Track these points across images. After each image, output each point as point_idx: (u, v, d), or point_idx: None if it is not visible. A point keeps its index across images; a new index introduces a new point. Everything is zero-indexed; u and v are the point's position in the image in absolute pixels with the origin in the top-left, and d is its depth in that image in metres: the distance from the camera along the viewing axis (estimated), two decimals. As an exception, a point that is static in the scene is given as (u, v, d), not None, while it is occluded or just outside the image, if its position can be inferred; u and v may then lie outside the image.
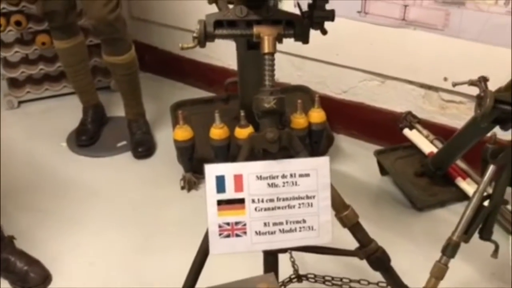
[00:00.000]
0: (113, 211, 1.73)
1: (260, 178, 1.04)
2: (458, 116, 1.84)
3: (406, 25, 1.79)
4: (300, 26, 1.04)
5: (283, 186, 1.04)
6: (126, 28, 1.84)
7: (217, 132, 1.66)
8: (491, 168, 1.17)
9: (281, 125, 1.07)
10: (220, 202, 1.02)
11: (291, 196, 1.05)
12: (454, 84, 1.33)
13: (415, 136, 1.79)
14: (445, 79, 1.80)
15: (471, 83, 1.22)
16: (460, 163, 1.68)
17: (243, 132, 1.64)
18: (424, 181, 1.68)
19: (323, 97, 2.14)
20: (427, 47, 1.79)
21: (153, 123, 2.18)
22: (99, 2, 1.68)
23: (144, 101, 2.08)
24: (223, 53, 2.42)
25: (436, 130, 1.87)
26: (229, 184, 1.03)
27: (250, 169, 1.03)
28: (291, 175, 1.05)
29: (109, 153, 2.02)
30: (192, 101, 2.06)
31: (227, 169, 1.02)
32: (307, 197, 1.06)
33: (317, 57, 2.11)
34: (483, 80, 1.24)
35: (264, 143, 1.00)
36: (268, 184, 1.04)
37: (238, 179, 1.04)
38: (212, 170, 1.02)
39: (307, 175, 1.05)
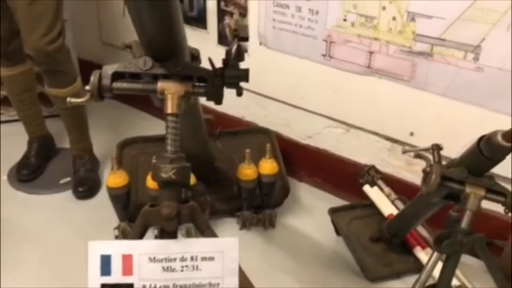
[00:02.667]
0: (44, 258, 1.58)
1: (153, 260, 0.89)
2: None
3: (372, 73, 1.65)
4: (211, 85, 0.90)
5: (182, 270, 0.89)
6: (71, 59, 1.71)
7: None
8: (435, 256, 1.01)
9: (189, 196, 0.92)
10: (104, 287, 0.87)
11: (190, 283, 0.90)
12: (404, 151, 1.18)
13: (375, 194, 1.63)
14: (411, 134, 1.65)
15: (417, 155, 1.06)
16: (421, 230, 1.52)
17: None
18: (380, 248, 1.51)
19: (287, 141, 2.00)
20: (393, 98, 1.64)
21: (105, 158, 2.03)
22: (37, 32, 1.55)
23: (102, 132, 1.94)
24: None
25: (401, 188, 1.72)
26: (116, 265, 0.88)
27: (142, 249, 0.89)
28: (192, 258, 0.90)
29: (50, 190, 1.88)
30: (144, 139, 1.91)
31: (115, 247, 0.88)
32: (210, 285, 0.90)
33: (282, 98, 1.98)
34: (436, 148, 1.09)
35: (159, 219, 0.85)
36: (163, 268, 0.89)
37: (127, 260, 0.89)
38: (96, 248, 0.88)
39: (211, 258, 0.90)
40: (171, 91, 0.89)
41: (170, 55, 0.90)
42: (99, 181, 1.89)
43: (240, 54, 0.88)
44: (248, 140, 1.92)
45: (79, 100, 0.94)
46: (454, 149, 1.55)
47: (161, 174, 0.86)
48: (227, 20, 2.00)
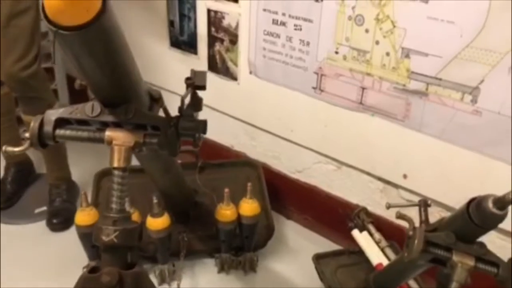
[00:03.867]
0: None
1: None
2: (417, 218, 1.56)
3: (364, 109, 1.55)
4: (164, 135, 0.80)
5: None
6: (47, 86, 1.63)
7: (125, 219, 1.41)
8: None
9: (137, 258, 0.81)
10: None
11: None
12: (388, 206, 1.07)
13: (364, 240, 1.52)
14: (405, 176, 1.54)
15: (399, 216, 0.95)
16: (413, 284, 1.40)
17: (156, 223, 1.40)
18: (366, 301, 1.39)
19: (277, 174, 1.90)
20: (385, 137, 1.53)
21: (87, 186, 1.94)
22: (11, 57, 1.47)
23: (85, 158, 1.84)
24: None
25: (393, 232, 1.60)
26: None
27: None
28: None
29: (25, 220, 1.79)
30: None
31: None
32: None
33: (272, 129, 1.88)
34: (424, 204, 0.98)
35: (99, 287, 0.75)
36: None
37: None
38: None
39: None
40: (119, 142, 0.79)
41: (120, 101, 0.80)
42: (75, 212, 1.79)
43: (196, 104, 0.78)
44: (234, 173, 1.82)
45: (16, 149, 0.85)
46: (449, 196, 1.45)
47: (101, 237, 0.76)
48: (217, 46, 1.92)
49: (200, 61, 1.99)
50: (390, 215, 1.64)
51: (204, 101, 2.06)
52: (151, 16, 2.10)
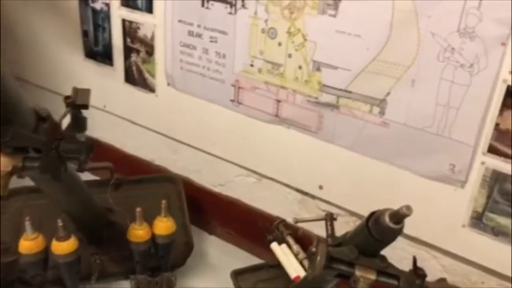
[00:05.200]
0: None
1: None
2: (336, 228, 1.58)
3: (280, 122, 1.54)
4: (45, 159, 0.74)
5: None
6: None
7: (27, 244, 1.31)
8: None
9: None
10: None
11: None
12: (296, 221, 1.06)
13: (283, 253, 1.51)
14: (321, 187, 1.55)
15: (303, 233, 0.94)
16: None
17: (62, 247, 1.31)
18: (284, 315, 1.38)
19: (199, 188, 1.86)
20: (301, 149, 1.54)
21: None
22: None
23: None
24: (99, 124, 2.12)
25: (312, 243, 1.60)
26: None
27: None
28: None
29: None
30: (30, 188, 1.69)
31: None
32: None
33: (192, 143, 1.84)
34: (330, 218, 0.98)
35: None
36: None
37: None
38: None
39: None
40: (-6, 167, 0.72)
41: (-2, 122, 0.74)
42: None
43: (80, 124, 0.73)
44: (153, 190, 1.76)
45: None
46: (362, 206, 1.46)
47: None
48: (133, 57, 1.85)
49: (116, 73, 1.92)
50: (309, 226, 1.65)
51: (122, 114, 2.00)
52: (64, 26, 2.00)
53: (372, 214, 0.87)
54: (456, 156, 1.24)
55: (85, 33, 1.95)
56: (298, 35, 1.40)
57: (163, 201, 1.42)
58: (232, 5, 1.50)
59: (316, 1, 1.33)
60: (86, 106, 0.76)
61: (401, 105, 1.29)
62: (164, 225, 1.42)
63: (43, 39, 2.11)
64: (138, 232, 1.38)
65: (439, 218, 1.33)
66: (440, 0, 1.14)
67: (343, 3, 1.29)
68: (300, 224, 1.66)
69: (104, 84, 2.00)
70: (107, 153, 2.13)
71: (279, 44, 1.44)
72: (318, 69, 1.40)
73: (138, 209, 1.38)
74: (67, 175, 1.13)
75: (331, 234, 1.00)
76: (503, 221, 1.21)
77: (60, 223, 1.30)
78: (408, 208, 0.78)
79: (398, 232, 0.83)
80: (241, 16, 1.49)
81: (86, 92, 0.76)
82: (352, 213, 1.52)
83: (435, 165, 1.28)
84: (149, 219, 1.46)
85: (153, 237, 1.43)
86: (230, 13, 1.51)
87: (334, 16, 1.31)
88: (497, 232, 1.23)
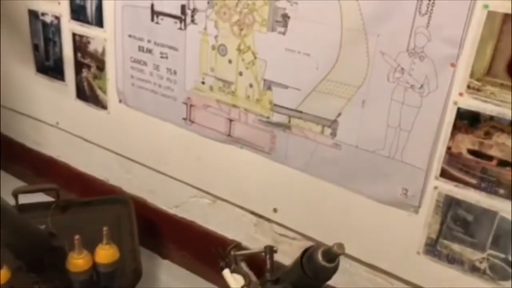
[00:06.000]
0: None
1: None
2: (291, 253, 1.51)
3: (232, 142, 1.48)
4: None
5: None
6: None
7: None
8: None
9: None
10: None
11: None
12: (234, 254, 0.99)
13: (234, 280, 1.42)
14: (275, 210, 1.48)
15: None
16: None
17: (-9, 277, 1.22)
18: None
19: (153, 209, 1.78)
20: (254, 170, 1.47)
21: None
22: None
23: None
24: (53, 141, 2.03)
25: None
26: None
27: None
28: None
29: None
30: None
31: None
32: None
33: (146, 162, 1.76)
34: (269, 251, 0.91)
35: None
36: None
37: None
38: None
39: None
40: None
41: None
42: None
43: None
44: (103, 212, 1.68)
45: None
46: (317, 230, 1.41)
47: None
48: (84, 73, 1.78)
49: (67, 88, 1.85)
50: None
51: (74, 131, 1.92)
52: (15, 39, 1.92)
53: (307, 250, 0.80)
54: (408, 180, 1.19)
55: (35, 47, 1.87)
56: (248, 52, 1.34)
57: (105, 228, 1.34)
58: (181, 20, 1.44)
59: (265, 18, 1.27)
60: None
61: (352, 127, 1.23)
62: (105, 253, 1.33)
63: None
64: (77, 261, 1.30)
65: (394, 244, 1.27)
66: (389, 18, 1.09)
67: (292, 20, 1.23)
68: (255, 247, 1.59)
69: (57, 100, 1.92)
70: (62, 171, 2.05)
71: (230, 61, 1.38)
72: (269, 88, 1.34)
73: (76, 237, 1.29)
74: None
75: (269, 268, 0.93)
76: (457, 248, 1.16)
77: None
78: (340, 246, 0.72)
79: (332, 270, 0.76)
80: (191, 32, 1.43)
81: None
82: (308, 238, 1.45)
83: (387, 189, 1.22)
84: (96, 244, 1.37)
85: (95, 265, 1.34)
86: (180, 28, 1.45)
87: (284, 33, 1.26)
88: (451, 259, 1.18)
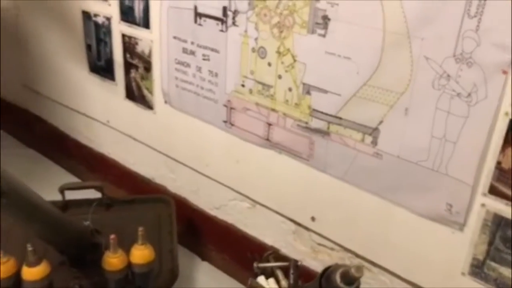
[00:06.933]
0: None
1: None
2: (330, 264, 1.45)
3: (271, 146, 1.45)
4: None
5: None
6: None
7: (-3, 268, 1.27)
8: None
9: None
10: None
11: None
12: (257, 266, 0.96)
13: (268, 288, 1.39)
14: (313, 218, 1.43)
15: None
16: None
17: (31, 273, 1.26)
18: None
19: (196, 210, 1.78)
20: (293, 176, 1.43)
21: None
22: None
23: None
24: (104, 138, 2.10)
25: (305, 277, 1.48)
26: None
27: None
28: None
29: None
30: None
31: None
32: None
33: (189, 163, 1.77)
34: (294, 265, 0.87)
35: None
36: None
37: None
38: None
39: None
40: None
41: None
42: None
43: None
44: (145, 211, 1.70)
45: None
46: (355, 241, 1.35)
47: None
48: (133, 73, 1.81)
49: (117, 88, 1.89)
50: (302, 259, 1.53)
51: (123, 130, 1.96)
52: (70, 40, 1.99)
53: (326, 269, 0.76)
54: (453, 196, 1.10)
55: (88, 47, 1.93)
56: (287, 55, 1.30)
57: (140, 228, 1.35)
58: (223, 22, 1.42)
59: (305, 19, 1.22)
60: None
61: (394, 136, 1.16)
62: (140, 253, 1.34)
63: (51, 52, 2.12)
64: (112, 261, 1.32)
65: (437, 262, 1.19)
66: (434, 21, 1.01)
67: (332, 22, 1.18)
68: (293, 255, 1.55)
69: (107, 99, 1.97)
70: (111, 168, 2.10)
71: (269, 64, 1.35)
72: (308, 92, 1.29)
73: (112, 236, 1.31)
74: (23, 203, 1.08)
75: (293, 284, 0.89)
76: (506, 272, 1.06)
77: (29, 247, 1.25)
78: (359, 269, 0.67)
79: (350, 292, 0.71)
80: (232, 34, 1.41)
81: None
82: (347, 249, 1.39)
83: (430, 203, 1.14)
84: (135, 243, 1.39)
85: (130, 265, 1.35)
86: (222, 30, 1.43)
87: (324, 36, 1.21)
88: (500, 284, 1.08)
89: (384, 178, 1.21)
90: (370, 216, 1.28)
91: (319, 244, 1.47)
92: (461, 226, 1.11)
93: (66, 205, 1.64)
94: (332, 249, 1.44)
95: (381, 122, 1.18)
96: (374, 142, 1.20)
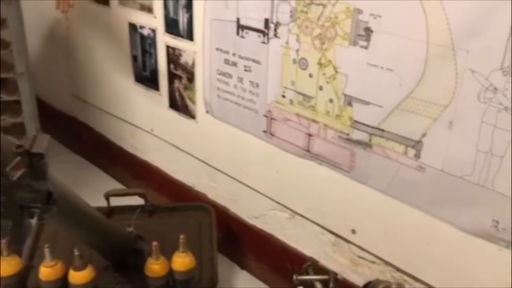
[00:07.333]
0: None
1: None
2: (371, 277, 1.43)
3: (311, 157, 1.45)
4: (5, 205, 0.72)
5: None
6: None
7: (46, 271, 1.33)
8: None
9: None
10: None
11: None
12: (296, 278, 0.96)
13: (307, 300, 1.39)
14: (353, 231, 1.42)
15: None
16: None
17: (78, 276, 1.31)
18: None
19: (235, 218, 1.80)
20: (333, 188, 1.43)
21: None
22: None
23: None
24: (148, 146, 2.15)
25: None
26: None
27: None
28: None
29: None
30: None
31: None
32: None
33: (229, 172, 1.79)
34: (334, 278, 0.87)
35: None
36: None
37: None
38: None
39: None
40: None
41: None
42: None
43: (38, 173, 0.70)
44: (186, 218, 1.73)
45: None
46: (397, 255, 1.32)
47: None
48: (176, 83, 1.85)
49: (161, 98, 1.93)
50: (342, 271, 1.51)
51: (166, 138, 2.01)
52: (116, 51, 2.06)
53: (367, 284, 0.75)
54: (500, 212, 1.06)
55: (134, 58, 1.99)
56: (329, 66, 1.30)
57: (181, 236, 1.38)
58: (265, 34, 1.43)
59: (347, 31, 1.22)
60: (41, 155, 0.72)
61: (438, 149, 1.14)
62: (181, 261, 1.37)
63: (99, 63, 2.20)
64: (154, 267, 1.35)
65: (482, 280, 1.15)
66: (481, 33, 0.99)
67: (375, 34, 1.17)
68: (332, 267, 1.54)
69: (152, 108, 2.02)
70: (154, 175, 2.15)
71: (310, 75, 1.35)
72: (349, 104, 1.29)
73: (154, 243, 1.35)
74: (71, 210, 1.12)
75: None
76: (557, 293, 1.01)
77: (76, 252, 1.30)
78: (400, 286, 0.66)
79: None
80: (273, 45, 1.42)
81: (44, 139, 0.73)
82: (388, 263, 1.37)
83: (476, 219, 1.11)
84: (177, 250, 1.42)
85: (171, 272, 1.38)
86: (263, 42, 1.45)
87: (366, 47, 1.20)
88: (550, 305, 1.04)
89: (427, 192, 1.19)
90: (412, 230, 1.26)
91: (359, 257, 1.46)
92: (508, 244, 1.07)
93: (111, 211, 1.69)
94: (372, 262, 1.42)
95: (424, 135, 1.16)
96: (417, 155, 1.18)
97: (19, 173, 0.69)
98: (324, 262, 1.56)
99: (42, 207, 0.73)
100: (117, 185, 2.30)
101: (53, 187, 0.74)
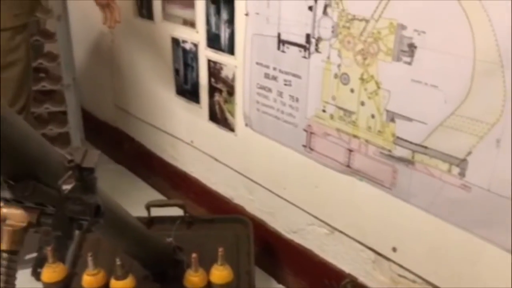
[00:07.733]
0: None
1: None
2: (410, 295, 1.41)
3: (352, 173, 1.43)
4: (57, 216, 0.74)
5: None
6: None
7: (88, 280, 1.36)
8: None
9: None
10: None
11: None
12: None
13: (345, 318, 1.37)
14: (394, 249, 1.39)
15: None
16: None
17: (119, 285, 1.34)
18: None
19: (272, 232, 1.80)
20: (374, 204, 1.41)
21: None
22: None
23: None
24: (187, 158, 2.19)
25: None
26: None
27: None
28: None
29: (14, 265, 1.78)
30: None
31: None
32: None
33: (267, 185, 1.80)
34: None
35: None
36: None
37: None
38: None
39: None
40: (11, 222, 0.75)
41: (23, 175, 0.76)
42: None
43: (87, 186, 0.72)
44: (223, 231, 1.74)
45: None
46: (439, 275, 1.29)
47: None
48: (216, 97, 1.88)
49: (202, 110, 1.96)
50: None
51: (206, 150, 2.03)
52: (160, 64, 2.11)
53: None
54: (551, 235, 1.02)
55: (176, 72, 2.03)
56: (371, 82, 1.29)
57: (220, 249, 1.38)
58: (306, 48, 1.44)
59: (390, 47, 1.21)
60: (92, 170, 0.75)
61: (484, 168, 1.11)
62: (220, 274, 1.38)
63: (142, 75, 2.25)
64: (193, 279, 1.36)
65: (531, 305, 1.10)
66: (531, 49, 0.96)
67: (419, 50, 1.16)
68: (372, 285, 1.51)
69: (192, 121, 2.05)
70: (193, 187, 2.18)
71: (352, 90, 1.35)
72: (392, 120, 1.27)
73: (193, 255, 1.36)
74: (115, 221, 1.15)
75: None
76: None
77: (118, 262, 1.32)
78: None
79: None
80: (314, 60, 1.42)
81: (94, 154, 0.75)
82: (429, 283, 1.34)
83: (525, 242, 1.07)
84: (214, 262, 1.43)
85: (210, 284, 1.39)
86: (304, 57, 1.45)
87: (410, 63, 1.18)
88: None
89: (473, 211, 1.16)
90: (456, 250, 1.22)
91: (400, 276, 1.42)
92: (560, 269, 1.03)
93: (151, 221, 1.72)
94: (413, 281, 1.39)
95: (469, 153, 1.13)
96: (462, 174, 1.15)
97: (70, 186, 0.71)
98: (363, 279, 1.53)
99: (91, 219, 0.75)
100: (156, 195, 2.34)
101: (101, 200, 0.76)
